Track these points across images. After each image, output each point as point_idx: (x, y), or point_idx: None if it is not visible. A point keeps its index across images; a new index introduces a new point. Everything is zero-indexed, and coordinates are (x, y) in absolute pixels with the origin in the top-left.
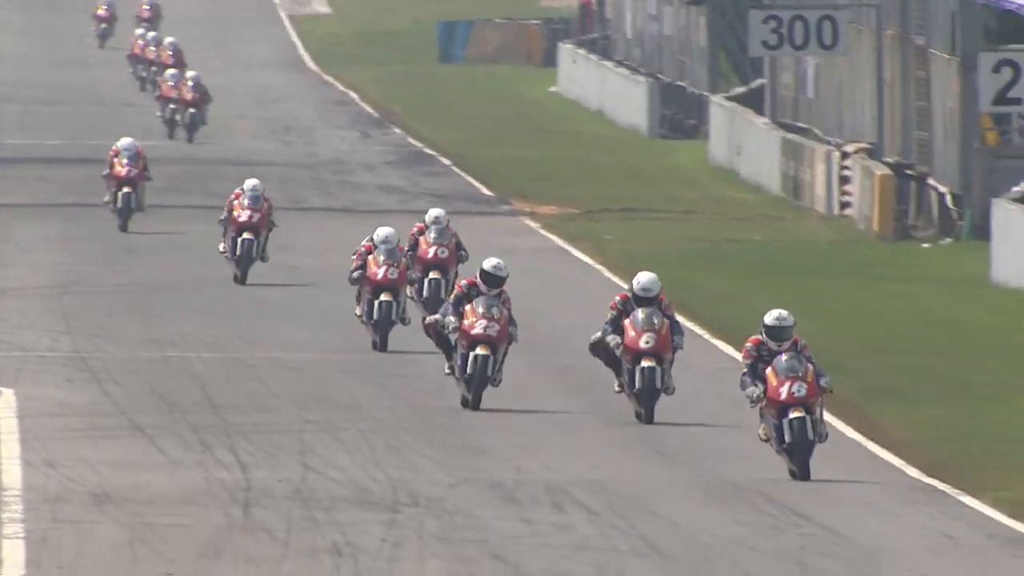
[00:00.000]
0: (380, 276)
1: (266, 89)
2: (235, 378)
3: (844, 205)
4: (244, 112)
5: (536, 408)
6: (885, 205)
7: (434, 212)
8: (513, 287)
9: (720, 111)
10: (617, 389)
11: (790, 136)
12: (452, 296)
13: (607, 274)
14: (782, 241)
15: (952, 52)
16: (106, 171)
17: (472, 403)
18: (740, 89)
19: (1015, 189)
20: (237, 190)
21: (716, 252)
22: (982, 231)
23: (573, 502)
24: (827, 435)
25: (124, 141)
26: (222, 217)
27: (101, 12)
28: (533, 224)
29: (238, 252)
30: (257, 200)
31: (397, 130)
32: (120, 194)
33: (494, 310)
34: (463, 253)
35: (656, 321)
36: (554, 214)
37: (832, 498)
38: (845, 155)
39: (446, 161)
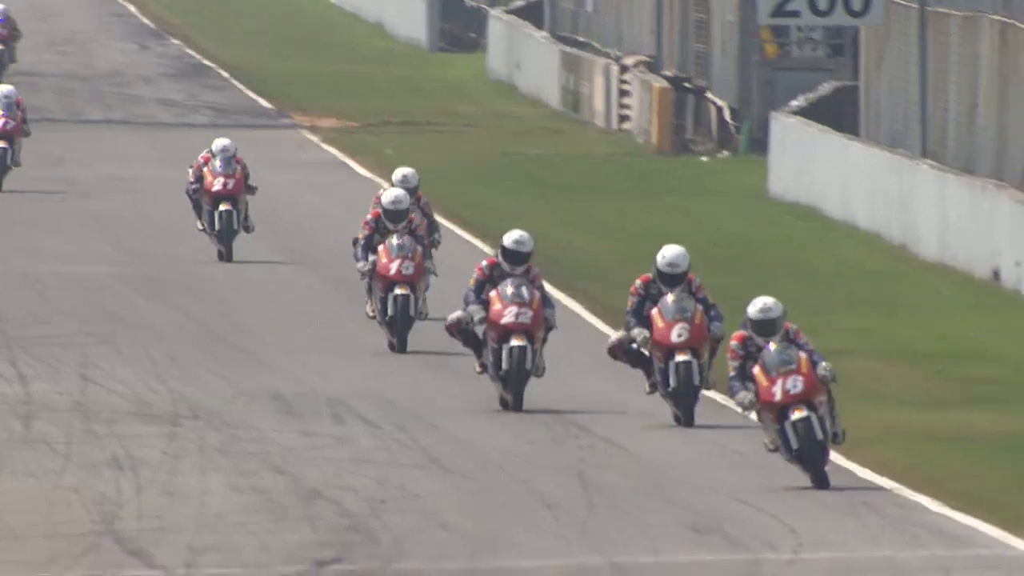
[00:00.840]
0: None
1: (44, 3)
2: (15, 290)
3: (623, 119)
4: (23, 26)
5: (316, 321)
6: (663, 119)
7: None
8: (294, 201)
9: (499, 25)
10: (648, 390)
11: (569, 50)
12: (472, 281)
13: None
14: (561, 155)
15: None
16: None
17: (513, 404)
18: (519, 3)
19: (793, 102)
20: (205, 152)
21: (495, 166)
22: (760, 145)
23: (353, 415)
24: (844, 433)
25: (2, 88)
26: (192, 187)
27: None
28: (313, 138)
29: (217, 226)
30: (230, 162)
31: (175, 41)
32: None
33: (524, 291)
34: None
35: (688, 308)
36: (334, 128)
37: (614, 412)
38: (624, 69)
39: (225, 74)
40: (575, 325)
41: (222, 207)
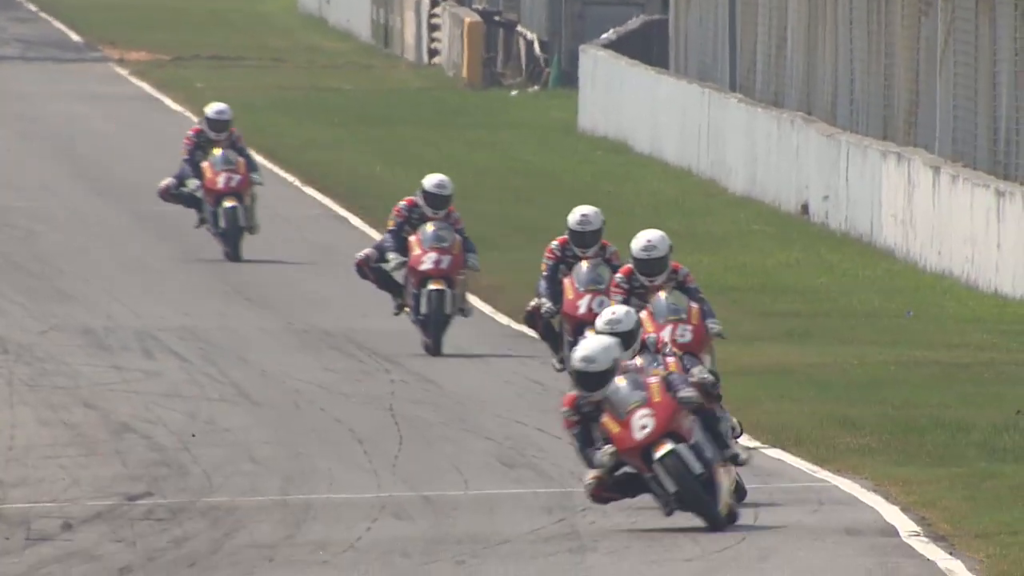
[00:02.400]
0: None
1: None
2: None
3: (433, 53)
4: None
5: (125, 255)
6: (474, 53)
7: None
8: (104, 134)
9: None
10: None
11: None
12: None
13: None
14: (372, 90)
15: None
16: None
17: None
18: None
19: (603, 36)
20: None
21: (306, 100)
22: (569, 78)
23: (163, 349)
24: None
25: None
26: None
27: None
28: (122, 71)
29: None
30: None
31: None
32: None
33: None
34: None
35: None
36: (144, 60)
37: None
38: (435, 3)
39: (33, 7)
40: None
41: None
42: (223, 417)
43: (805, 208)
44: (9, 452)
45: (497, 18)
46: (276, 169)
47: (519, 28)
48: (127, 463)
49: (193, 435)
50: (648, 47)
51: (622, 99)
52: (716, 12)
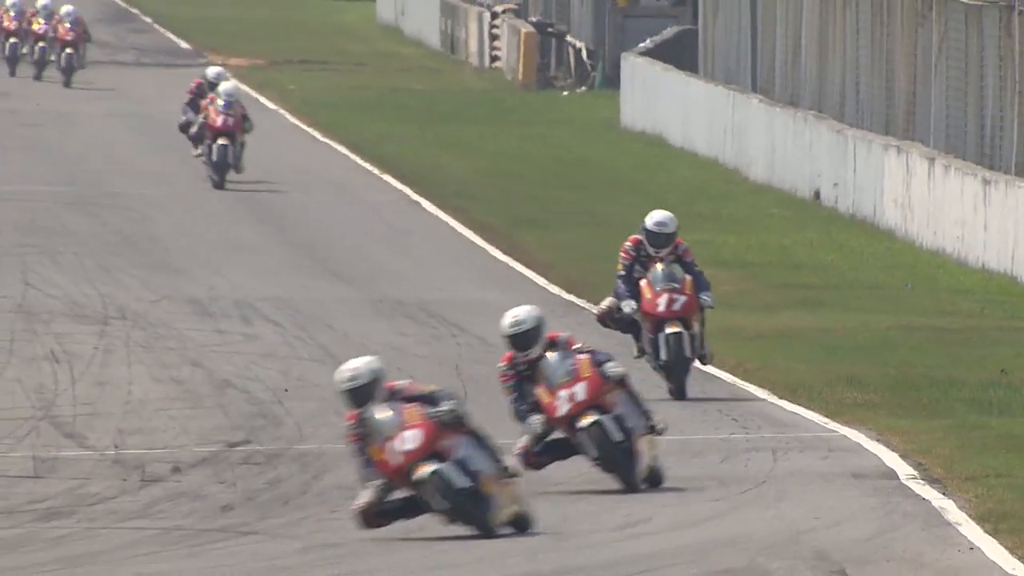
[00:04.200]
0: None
1: None
2: None
3: (494, 59)
4: None
5: (227, 235)
6: (529, 59)
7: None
8: None
9: None
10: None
11: None
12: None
13: (290, 117)
14: (440, 90)
15: None
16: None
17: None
18: None
19: (641, 44)
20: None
21: (383, 99)
22: (612, 81)
23: (260, 316)
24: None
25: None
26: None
27: None
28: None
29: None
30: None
31: None
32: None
33: (675, 273)
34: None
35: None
36: (243, 65)
37: (485, 312)
38: (495, 15)
39: (147, 19)
40: (446, 235)
41: (220, 141)
42: (312, 375)
43: (817, 194)
44: (127, 405)
45: (550, 29)
46: (357, 159)
47: (568, 38)
48: (228, 414)
49: (286, 390)
50: (681, 54)
51: (658, 99)
52: (740, 23)
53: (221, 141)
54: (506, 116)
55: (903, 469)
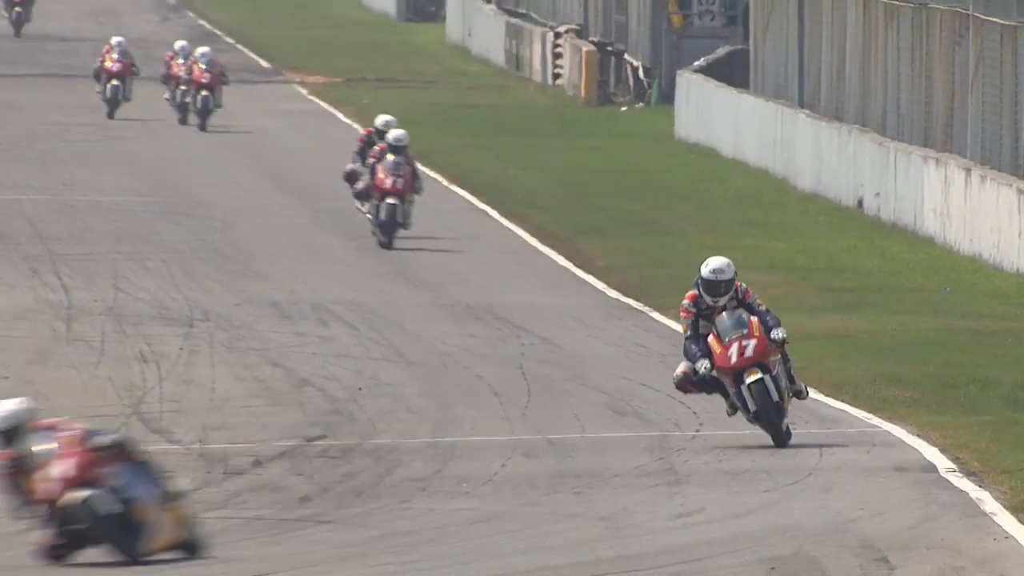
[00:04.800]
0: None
1: None
2: (59, 216)
3: (556, 76)
4: None
5: (305, 242)
6: (590, 76)
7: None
8: (287, 143)
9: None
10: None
11: (512, 20)
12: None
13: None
14: (506, 106)
15: None
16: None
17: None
18: None
19: (695, 63)
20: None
21: (452, 114)
22: (668, 97)
23: (336, 318)
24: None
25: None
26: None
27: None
28: (303, 91)
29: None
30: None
31: (191, 14)
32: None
33: (742, 321)
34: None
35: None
36: (320, 83)
37: (548, 314)
38: (557, 35)
39: (230, 39)
40: (511, 242)
41: (389, 200)
42: (385, 374)
43: (860, 203)
44: (210, 402)
45: (609, 48)
46: (427, 171)
47: (627, 56)
48: (306, 411)
49: (360, 388)
50: (732, 72)
51: (711, 114)
52: (788, 43)
53: (389, 200)
54: (568, 130)
55: (942, 463)
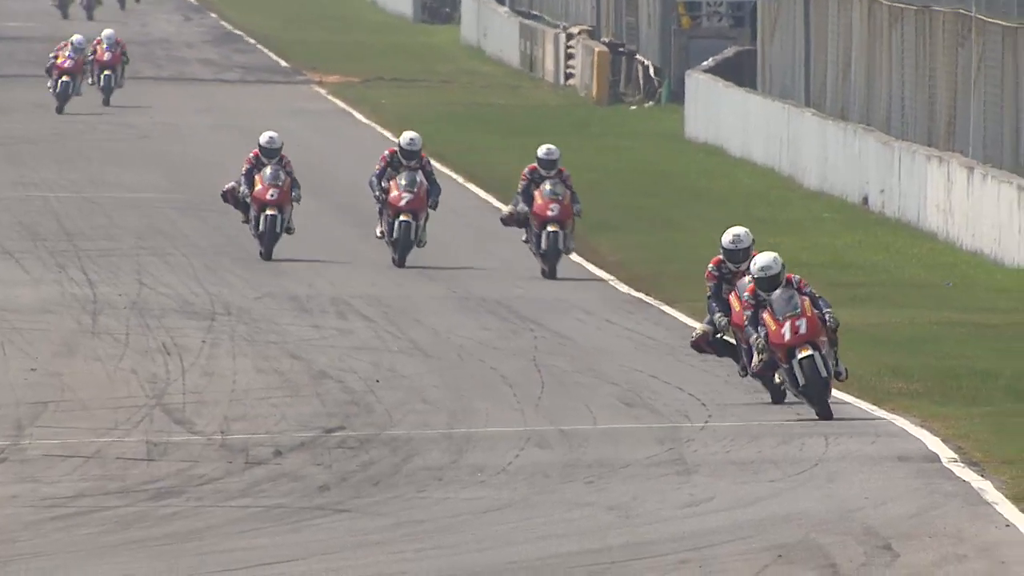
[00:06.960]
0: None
1: None
2: (85, 213)
3: (569, 76)
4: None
5: (324, 238)
6: (601, 76)
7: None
8: (306, 142)
9: (470, 1)
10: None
11: (526, 21)
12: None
13: (380, 130)
14: (519, 105)
15: None
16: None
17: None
18: None
19: (704, 63)
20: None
21: (467, 113)
22: (677, 97)
23: (354, 312)
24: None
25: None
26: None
27: None
28: (322, 91)
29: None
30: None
31: (213, 15)
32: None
33: (794, 300)
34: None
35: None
36: (338, 83)
37: (560, 308)
38: (570, 36)
39: (251, 40)
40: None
41: (403, 218)
42: (401, 366)
43: (865, 200)
44: (232, 394)
45: (620, 49)
46: (444, 168)
47: (638, 57)
48: (324, 402)
49: (377, 380)
50: (740, 72)
51: (719, 113)
52: (794, 44)
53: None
54: (580, 129)
55: (945, 453)
